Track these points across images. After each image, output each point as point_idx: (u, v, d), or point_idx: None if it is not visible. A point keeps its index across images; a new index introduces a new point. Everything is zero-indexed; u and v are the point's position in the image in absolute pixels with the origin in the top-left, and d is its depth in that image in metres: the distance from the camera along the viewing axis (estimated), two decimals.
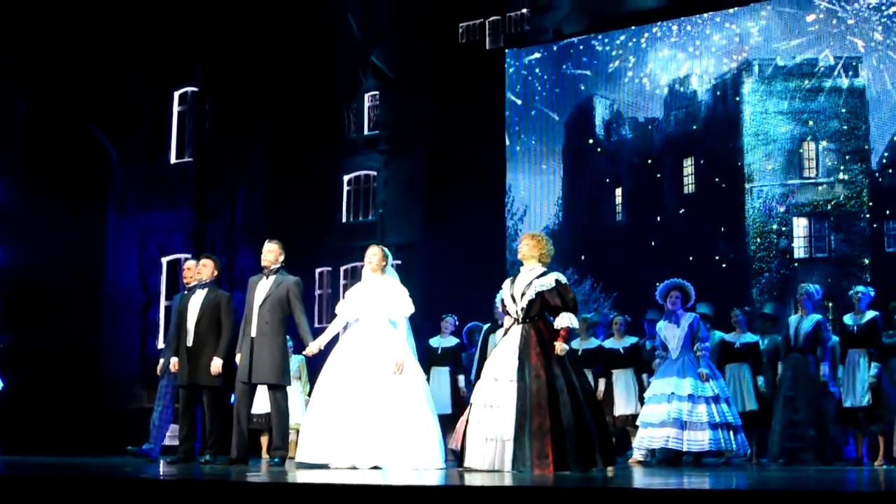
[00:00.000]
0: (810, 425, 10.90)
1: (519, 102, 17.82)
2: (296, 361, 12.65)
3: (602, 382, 12.17)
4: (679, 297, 10.98)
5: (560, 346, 7.78)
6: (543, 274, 8.04)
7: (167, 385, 10.83)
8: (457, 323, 13.29)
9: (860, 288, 11.10)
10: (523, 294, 7.98)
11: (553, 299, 7.92)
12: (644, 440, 10.79)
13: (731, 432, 10.70)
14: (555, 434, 7.50)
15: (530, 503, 4.72)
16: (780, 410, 11.12)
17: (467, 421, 7.98)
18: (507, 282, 8.23)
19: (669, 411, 10.57)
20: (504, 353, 7.91)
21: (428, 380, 12.49)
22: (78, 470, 7.61)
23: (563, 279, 8.07)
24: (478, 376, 12.12)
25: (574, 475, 7.29)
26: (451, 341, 13.16)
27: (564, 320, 7.87)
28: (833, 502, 4.31)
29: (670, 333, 10.97)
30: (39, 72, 17.84)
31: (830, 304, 14.84)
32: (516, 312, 8.01)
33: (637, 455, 10.93)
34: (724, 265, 15.78)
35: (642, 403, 11.63)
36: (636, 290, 15.09)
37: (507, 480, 6.18)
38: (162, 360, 10.93)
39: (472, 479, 6.34)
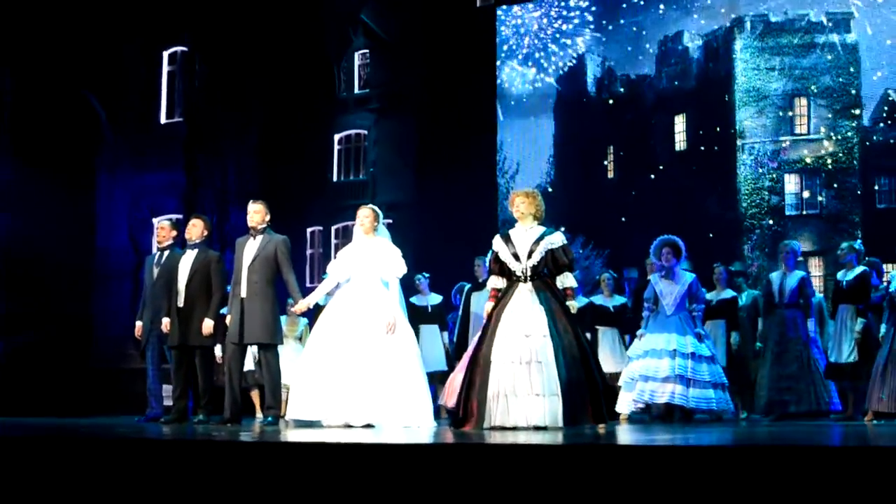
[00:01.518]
0: (800, 380, 10.93)
1: (510, 60, 17.75)
2: (301, 324, 12.63)
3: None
4: (671, 253, 10.93)
5: (574, 305, 7.92)
6: (549, 232, 8.08)
7: (152, 350, 10.86)
8: (428, 278, 13.22)
9: (844, 245, 11.11)
10: (531, 252, 8.00)
11: (561, 258, 7.99)
12: (645, 393, 10.68)
13: (725, 392, 10.74)
14: (591, 387, 7.63)
15: (552, 459, 4.75)
16: (769, 366, 11.14)
17: (479, 378, 7.87)
18: (500, 240, 8.19)
19: (673, 367, 10.51)
20: (524, 308, 7.87)
21: (417, 338, 12.58)
22: (72, 431, 7.62)
23: (565, 239, 8.15)
24: (462, 335, 12.21)
25: (593, 430, 7.40)
26: (437, 298, 13.15)
27: (570, 280, 8.02)
28: (819, 457, 4.33)
29: (667, 289, 10.92)
30: (26, 34, 17.69)
31: (822, 260, 14.90)
32: (522, 270, 8.01)
33: (634, 407, 10.86)
34: (716, 222, 15.80)
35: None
36: (628, 247, 15.11)
37: (545, 438, 6.20)
38: (140, 323, 10.92)
39: (509, 438, 6.36)
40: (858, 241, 11.61)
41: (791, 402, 10.93)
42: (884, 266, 11.42)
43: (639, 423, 10.20)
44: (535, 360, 7.66)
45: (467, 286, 12.58)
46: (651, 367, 10.66)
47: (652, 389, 10.62)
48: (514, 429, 7.52)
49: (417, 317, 12.69)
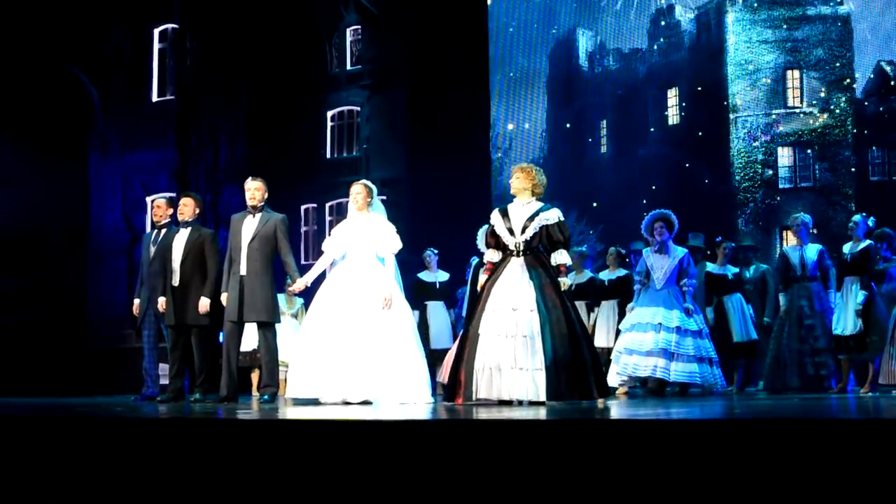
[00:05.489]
0: (831, 353, 10.91)
1: (502, 34, 17.70)
2: (298, 303, 12.66)
3: (592, 315, 12.27)
4: (664, 227, 10.96)
5: (566, 282, 7.89)
6: (546, 208, 8.09)
7: (148, 329, 10.82)
8: (437, 254, 13.23)
9: (856, 217, 11.05)
10: (525, 227, 8.02)
11: (556, 234, 7.99)
12: (629, 367, 10.76)
13: (713, 367, 10.77)
14: (578, 364, 7.62)
15: (541, 434, 4.75)
16: (794, 338, 11.06)
17: (468, 352, 7.92)
18: (497, 214, 8.23)
19: (657, 340, 10.57)
20: (514, 283, 7.91)
21: (424, 313, 12.61)
22: (68, 411, 7.62)
23: (562, 216, 8.14)
24: (470, 310, 12.21)
25: (576, 405, 7.38)
26: (445, 276, 13.14)
27: (564, 256, 7.98)
28: (823, 430, 4.34)
29: (658, 263, 10.95)
30: (14, 12, 17.59)
31: (815, 232, 14.93)
32: (516, 245, 8.04)
33: (619, 381, 10.92)
34: (709, 196, 15.80)
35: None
36: (621, 221, 15.11)
37: (537, 413, 6.21)
38: (137, 301, 10.88)
39: (494, 413, 6.36)
40: (867, 215, 11.52)
41: (825, 377, 10.92)
42: None
43: (634, 399, 10.22)
44: (521, 335, 7.71)
45: (476, 260, 12.54)
46: (636, 341, 10.73)
47: (635, 363, 10.70)
48: (499, 402, 7.57)
49: (425, 293, 12.74)
